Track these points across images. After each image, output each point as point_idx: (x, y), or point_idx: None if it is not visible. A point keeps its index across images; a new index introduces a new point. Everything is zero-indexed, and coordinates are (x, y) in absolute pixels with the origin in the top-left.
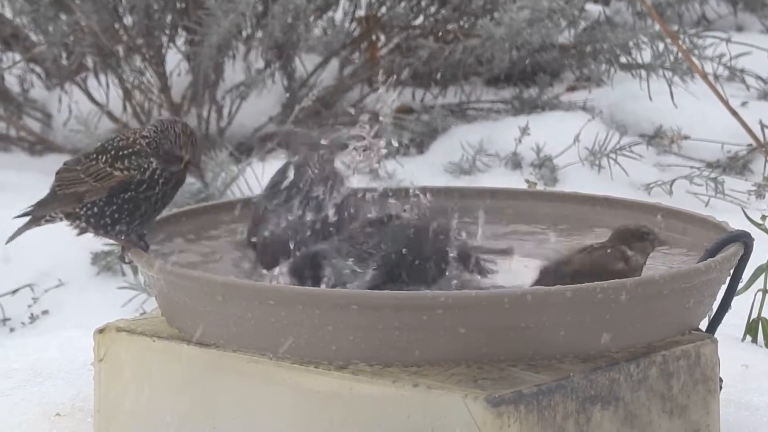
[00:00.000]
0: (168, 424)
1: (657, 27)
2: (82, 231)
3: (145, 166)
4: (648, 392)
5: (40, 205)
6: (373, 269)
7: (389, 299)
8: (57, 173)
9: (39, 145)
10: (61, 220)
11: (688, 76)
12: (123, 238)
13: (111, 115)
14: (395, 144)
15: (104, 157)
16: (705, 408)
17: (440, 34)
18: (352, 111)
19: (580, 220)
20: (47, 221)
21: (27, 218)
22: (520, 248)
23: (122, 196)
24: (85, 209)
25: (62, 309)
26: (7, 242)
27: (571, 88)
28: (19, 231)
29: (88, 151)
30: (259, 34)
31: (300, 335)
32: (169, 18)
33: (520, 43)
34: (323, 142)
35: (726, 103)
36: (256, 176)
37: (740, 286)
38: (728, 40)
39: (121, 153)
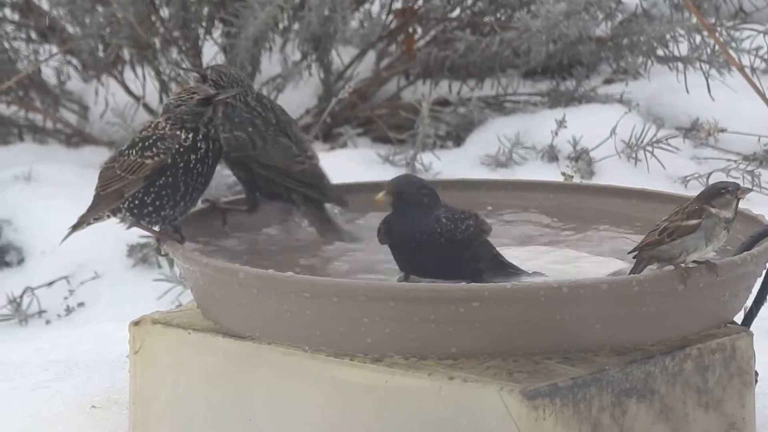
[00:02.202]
0: (203, 416)
1: (694, 19)
2: (129, 225)
3: (173, 147)
4: (683, 385)
5: (89, 210)
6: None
7: (425, 292)
8: (99, 175)
9: (75, 138)
10: (108, 218)
11: (725, 68)
12: (158, 230)
13: (147, 107)
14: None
15: (134, 150)
16: (740, 401)
17: (477, 26)
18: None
19: (615, 213)
20: (95, 220)
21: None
22: (569, 243)
23: (158, 183)
24: (127, 203)
25: (98, 301)
26: (61, 242)
27: (608, 81)
28: (70, 232)
29: (121, 148)
30: (296, 26)
31: (335, 328)
32: (205, 10)
33: (556, 35)
34: None
35: (763, 95)
36: None
37: None
38: (765, 33)
39: (147, 142)
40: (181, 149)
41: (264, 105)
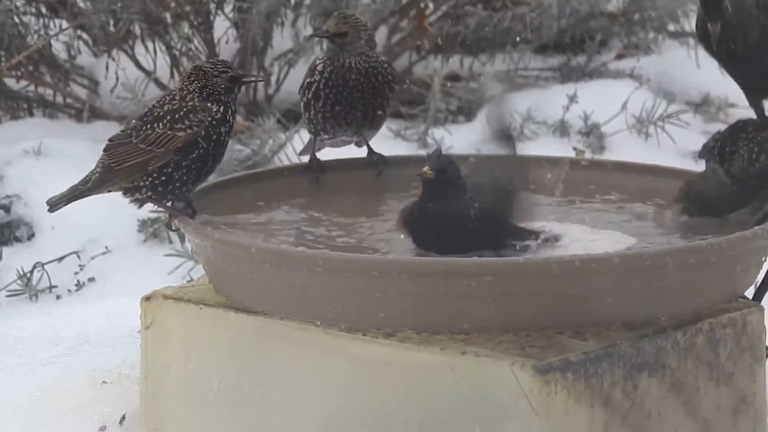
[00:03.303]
0: (215, 392)
1: None
2: (142, 203)
3: (206, 119)
4: (695, 360)
5: (97, 184)
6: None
7: (438, 266)
8: (106, 150)
9: (86, 112)
10: (109, 191)
11: None
12: (170, 205)
13: (158, 82)
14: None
15: (161, 123)
16: (751, 376)
17: (488, 1)
18: None
19: (626, 188)
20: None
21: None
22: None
23: (191, 156)
24: (150, 179)
25: (109, 276)
26: (51, 210)
27: (619, 56)
28: (67, 200)
29: (135, 125)
30: (308, 0)
31: (348, 303)
32: None
33: (568, 11)
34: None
35: None
36: (304, 143)
37: None
38: None
39: (177, 115)
40: (214, 122)
41: None
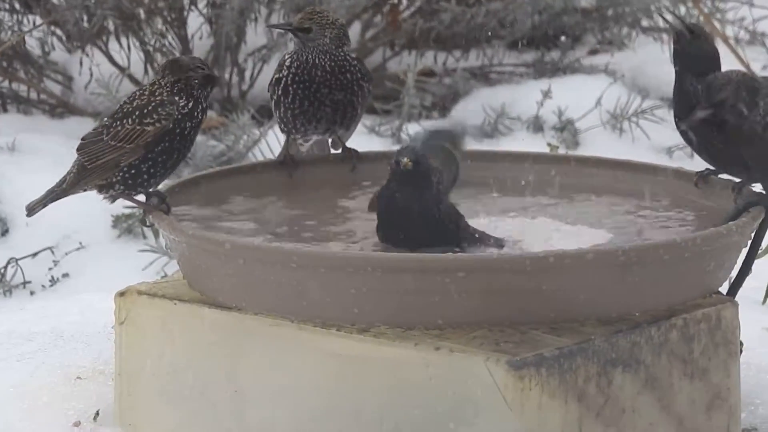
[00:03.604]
0: (190, 387)
1: None
2: (114, 198)
3: (174, 113)
4: (669, 355)
5: (72, 184)
6: None
7: (412, 262)
8: (79, 149)
9: (60, 108)
10: (85, 191)
11: None
12: (144, 201)
13: (132, 78)
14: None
15: (130, 119)
16: (725, 371)
17: None
18: None
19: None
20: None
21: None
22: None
23: (157, 149)
24: (121, 174)
25: (83, 272)
26: (30, 215)
27: (593, 52)
28: (44, 204)
29: (106, 123)
30: None
31: (322, 298)
32: None
33: (542, 6)
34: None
35: (747, 66)
36: (278, 139)
37: (761, 249)
38: (749, 4)
39: (146, 109)
40: (180, 116)
41: None
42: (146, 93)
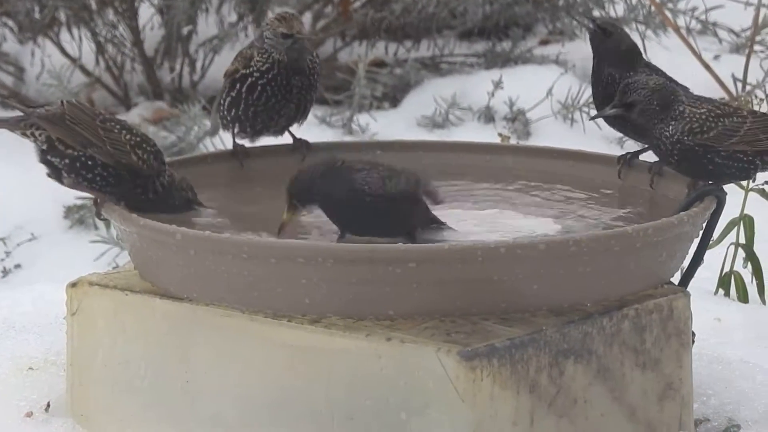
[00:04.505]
0: (141, 377)
1: None
2: (61, 178)
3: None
4: (621, 346)
5: (41, 116)
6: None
7: (363, 252)
8: (66, 103)
9: (11, 99)
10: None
11: (661, 29)
12: (97, 189)
13: (84, 69)
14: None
15: (128, 135)
16: (678, 361)
17: None
18: None
19: (552, 174)
20: (30, 129)
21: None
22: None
23: (123, 173)
24: (71, 161)
25: (35, 263)
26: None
27: (544, 42)
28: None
29: (108, 117)
30: None
31: (273, 289)
32: None
33: None
34: None
35: (699, 56)
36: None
37: (713, 239)
38: None
39: (142, 140)
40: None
41: None
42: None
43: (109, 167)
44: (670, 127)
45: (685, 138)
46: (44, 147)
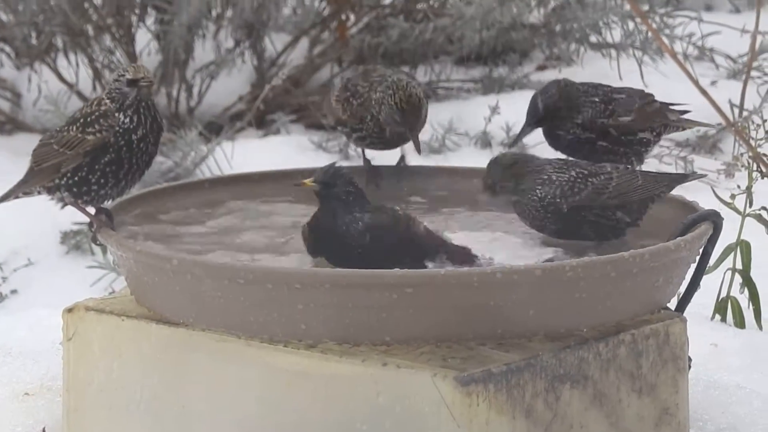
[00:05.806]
0: (137, 403)
1: (627, 6)
2: (63, 203)
3: (116, 124)
4: (617, 371)
5: (20, 184)
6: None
7: (359, 278)
8: (33, 152)
9: (8, 125)
10: (39, 194)
11: (658, 55)
12: (94, 214)
13: (80, 95)
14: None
15: (74, 126)
16: (674, 387)
17: (410, 13)
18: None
19: None
20: (25, 194)
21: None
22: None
23: (103, 159)
24: (65, 179)
25: (31, 288)
26: None
27: (541, 68)
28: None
29: (60, 128)
30: (229, 13)
31: (269, 314)
32: None
33: (490, 22)
34: None
35: (695, 82)
36: (226, 156)
37: (709, 265)
38: (698, 20)
39: (90, 118)
40: (121, 130)
41: None
42: (94, 102)
43: (95, 169)
44: (538, 191)
45: (558, 200)
46: (51, 197)
